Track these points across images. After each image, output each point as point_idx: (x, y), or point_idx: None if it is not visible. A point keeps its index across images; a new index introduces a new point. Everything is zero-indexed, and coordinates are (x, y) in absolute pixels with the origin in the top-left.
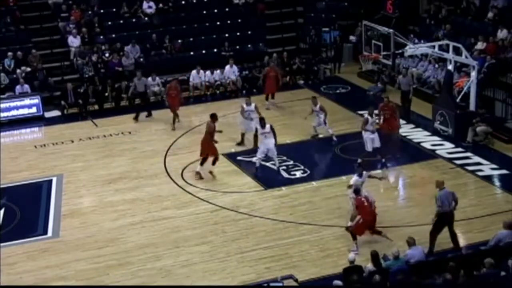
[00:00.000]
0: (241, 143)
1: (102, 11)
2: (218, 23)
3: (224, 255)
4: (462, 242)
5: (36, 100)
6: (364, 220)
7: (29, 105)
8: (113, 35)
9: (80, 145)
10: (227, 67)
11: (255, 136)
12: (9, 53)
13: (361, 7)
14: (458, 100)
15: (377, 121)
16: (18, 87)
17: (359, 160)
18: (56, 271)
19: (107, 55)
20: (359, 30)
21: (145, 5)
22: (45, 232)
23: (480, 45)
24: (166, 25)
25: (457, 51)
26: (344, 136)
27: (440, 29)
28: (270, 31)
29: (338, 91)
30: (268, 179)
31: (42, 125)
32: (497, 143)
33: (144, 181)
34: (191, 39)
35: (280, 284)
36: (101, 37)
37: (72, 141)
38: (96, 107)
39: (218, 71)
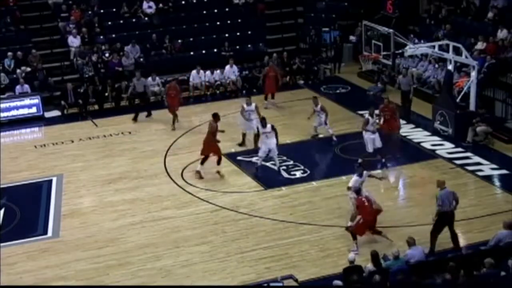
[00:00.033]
0: (242, 143)
1: (102, 11)
2: (218, 23)
3: (224, 255)
4: (462, 242)
5: (36, 100)
6: (365, 220)
7: (29, 105)
8: (113, 35)
9: (80, 145)
10: (227, 67)
11: (255, 136)
12: (9, 53)
13: (361, 7)
14: (458, 100)
15: (377, 121)
16: (18, 87)
17: (360, 160)
18: (56, 271)
19: (107, 55)
20: (359, 30)
21: (145, 5)
22: (45, 232)
23: (480, 45)
24: (166, 25)
25: (457, 51)
26: (344, 136)
27: (440, 29)
28: (270, 31)
29: (338, 91)
30: (268, 179)
31: (42, 125)
32: (497, 143)
33: (144, 181)
34: (191, 39)
35: (280, 284)
36: (101, 37)
37: (72, 141)
38: (96, 107)
39: (218, 71)
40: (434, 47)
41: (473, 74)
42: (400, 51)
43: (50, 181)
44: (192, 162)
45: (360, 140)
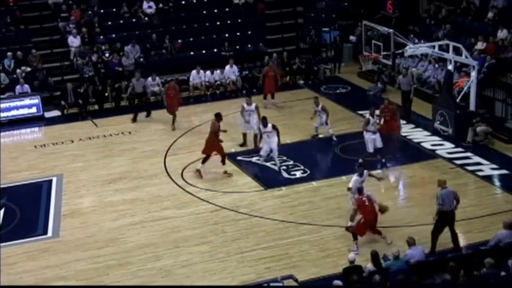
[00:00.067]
0: (243, 144)
1: (102, 11)
2: (218, 23)
3: (224, 255)
4: (462, 242)
5: (36, 100)
6: (365, 220)
7: (29, 105)
8: (113, 35)
9: (80, 145)
10: (227, 67)
11: (255, 137)
12: (9, 53)
13: (361, 7)
14: (458, 100)
15: (377, 121)
16: (18, 87)
17: (360, 160)
18: (56, 271)
19: (107, 55)
20: (359, 30)
21: (145, 5)
22: (45, 232)
23: (480, 45)
24: (166, 25)
25: (457, 51)
26: (344, 136)
27: (440, 29)
28: (270, 31)
29: (338, 91)
30: (268, 179)
31: (42, 125)
32: (497, 143)
33: (144, 181)
34: (191, 39)
35: (280, 284)
36: (101, 37)
37: (72, 141)
38: (96, 107)
39: (218, 71)
40: (434, 47)
41: (473, 74)
42: (400, 51)
43: (50, 181)
44: (192, 162)
45: (360, 140)
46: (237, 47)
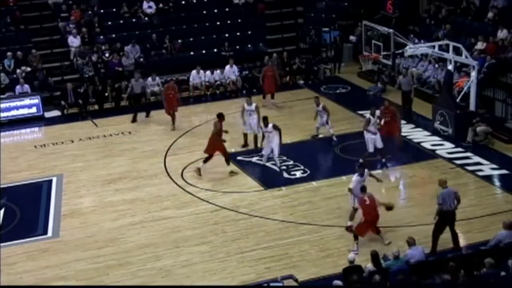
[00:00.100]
0: (245, 144)
1: (102, 11)
2: (218, 23)
3: (224, 255)
4: (462, 242)
5: (36, 100)
6: (366, 220)
7: (29, 105)
8: (113, 35)
9: (80, 145)
10: (227, 67)
11: (255, 137)
12: (9, 53)
13: (361, 7)
14: (458, 100)
15: (378, 121)
16: (18, 87)
17: (361, 160)
18: (56, 271)
19: (107, 55)
20: (359, 30)
21: (145, 5)
22: (45, 232)
23: (480, 45)
24: (166, 25)
25: (457, 51)
26: (344, 136)
27: (440, 29)
28: (270, 31)
29: (338, 91)
30: (268, 179)
31: (42, 125)
32: (497, 143)
33: (144, 181)
34: (191, 39)
35: (280, 284)
36: (101, 37)
37: (72, 141)
38: (96, 107)
39: (218, 71)
40: (434, 47)
41: (473, 74)
42: (400, 51)
43: (50, 181)
44: (192, 162)
45: (360, 140)
46: (237, 47)
